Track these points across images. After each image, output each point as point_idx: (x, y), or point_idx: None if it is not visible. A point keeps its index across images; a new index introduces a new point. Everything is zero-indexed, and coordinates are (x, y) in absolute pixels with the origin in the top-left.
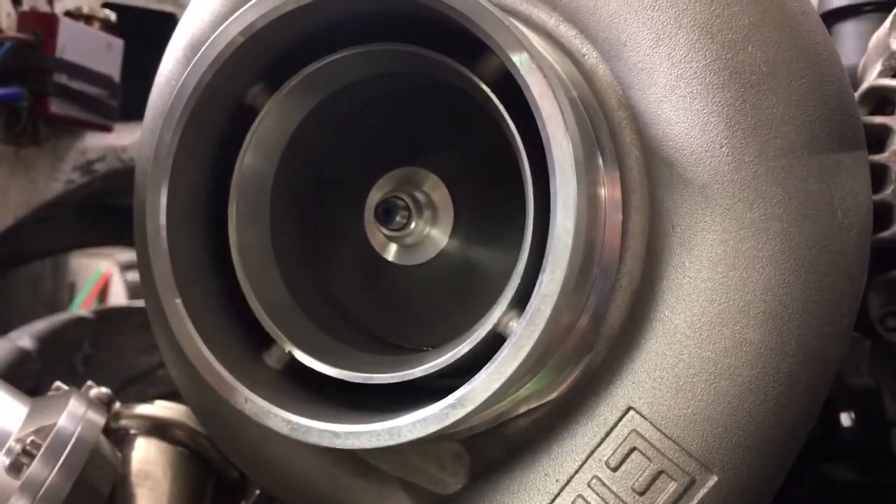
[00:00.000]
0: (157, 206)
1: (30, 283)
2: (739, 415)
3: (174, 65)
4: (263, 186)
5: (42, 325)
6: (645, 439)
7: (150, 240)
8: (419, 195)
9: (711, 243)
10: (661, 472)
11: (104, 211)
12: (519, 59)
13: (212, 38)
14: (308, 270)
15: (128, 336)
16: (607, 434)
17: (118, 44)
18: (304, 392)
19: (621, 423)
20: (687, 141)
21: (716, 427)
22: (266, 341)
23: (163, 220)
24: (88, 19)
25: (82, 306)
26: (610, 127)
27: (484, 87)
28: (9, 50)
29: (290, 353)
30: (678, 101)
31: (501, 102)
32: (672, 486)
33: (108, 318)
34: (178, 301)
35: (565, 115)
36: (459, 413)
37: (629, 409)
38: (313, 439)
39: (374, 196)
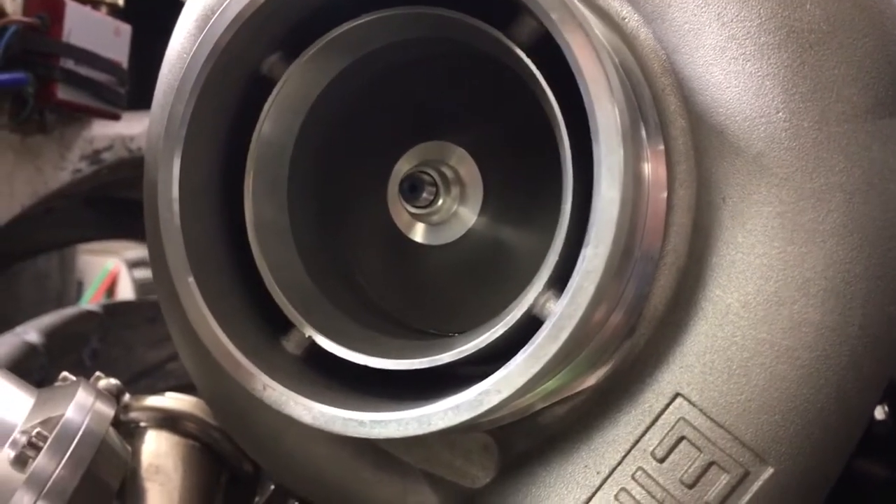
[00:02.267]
0: (170, 179)
1: (37, 280)
2: (798, 401)
3: (186, 37)
4: (282, 159)
5: (49, 319)
6: (694, 428)
7: (162, 216)
8: (446, 170)
9: (767, 216)
10: (711, 464)
11: (111, 204)
12: (558, 17)
13: (226, 2)
14: (328, 250)
15: (136, 330)
16: (653, 422)
17: (126, 29)
18: (325, 379)
19: (668, 410)
20: (739, 107)
21: (772, 415)
22: (284, 325)
23: (175, 193)
24: (96, 4)
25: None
26: (653, 94)
27: (518, 51)
28: (14, 34)
29: (310, 337)
30: (729, 63)
31: (537, 68)
32: (724, 479)
33: (116, 312)
34: (191, 280)
35: (610, 77)
36: (495, 399)
37: (676, 395)
38: (337, 428)
39: (399, 171)
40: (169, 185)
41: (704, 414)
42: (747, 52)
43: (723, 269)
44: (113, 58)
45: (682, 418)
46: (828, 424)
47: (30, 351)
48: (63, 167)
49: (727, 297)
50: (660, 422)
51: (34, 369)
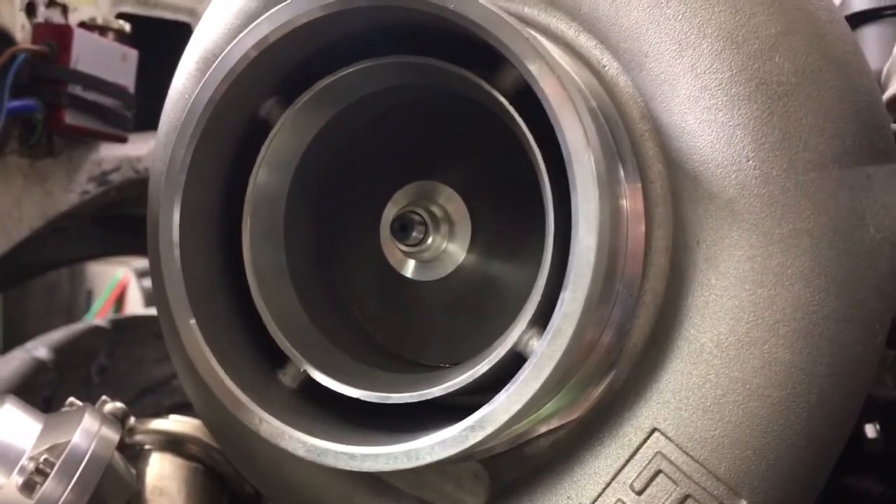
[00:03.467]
0: (170, 224)
1: (47, 290)
2: (769, 437)
3: (187, 78)
4: (277, 202)
5: (58, 335)
6: (671, 462)
7: (163, 257)
8: (436, 209)
9: (738, 260)
10: (687, 497)
11: (120, 220)
12: (536, 70)
13: (225, 51)
14: (324, 287)
15: (143, 346)
16: (631, 456)
17: (133, 54)
18: (319, 412)
19: (646, 444)
20: (712, 154)
21: (745, 450)
22: (281, 359)
23: (176, 237)
24: (103, 30)
25: (99, 313)
26: (631, 139)
27: (502, 99)
28: (23, 62)
29: (305, 371)
30: (702, 112)
31: (520, 115)
32: None
33: (123, 327)
34: (193, 322)
35: (586, 127)
36: (479, 435)
37: (654, 430)
38: (329, 461)
39: (390, 211)
40: (170, 229)
41: (680, 448)
42: (719, 103)
43: (697, 309)
44: (120, 82)
45: (660, 452)
46: (798, 458)
47: (39, 367)
48: (71, 189)
49: (702, 337)
50: (638, 455)
51: (43, 385)
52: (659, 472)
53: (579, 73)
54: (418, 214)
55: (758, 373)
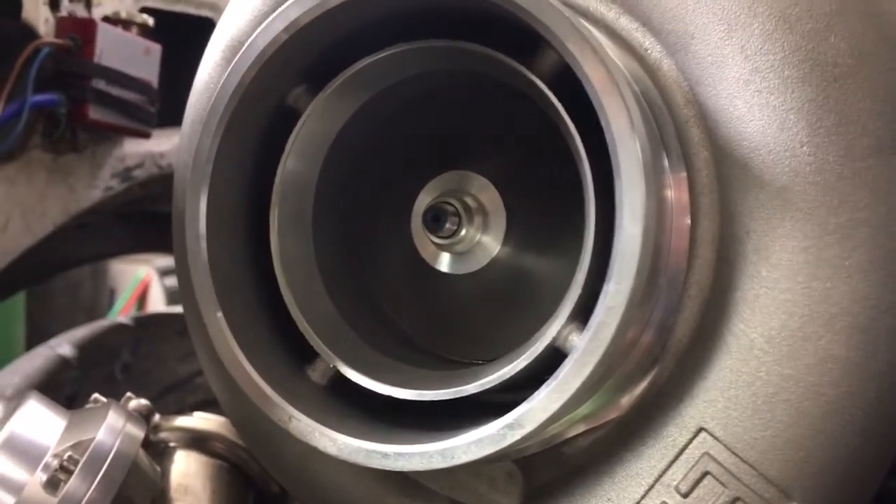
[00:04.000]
0: (197, 215)
1: (70, 288)
2: (823, 437)
3: (213, 68)
4: (306, 192)
5: (82, 332)
6: (719, 463)
7: (190, 250)
8: (469, 200)
9: (791, 251)
10: (737, 500)
11: (144, 217)
12: (578, 52)
13: (253, 35)
14: (353, 280)
15: (167, 343)
16: (677, 457)
17: (156, 49)
18: (349, 409)
19: (692, 445)
20: (763, 140)
21: (797, 451)
22: (310, 355)
23: (202, 229)
24: (127, 24)
25: (122, 311)
26: (676, 126)
27: (540, 84)
28: (47, 56)
29: (334, 367)
30: (753, 96)
31: (559, 101)
32: None
33: (147, 325)
34: (220, 315)
35: (631, 111)
36: (517, 434)
37: (700, 429)
38: (361, 460)
39: (422, 201)
40: (196, 220)
41: (729, 449)
42: (771, 86)
43: (747, 303)
44: (143, 77)
45: (707, 453)
46: (854, 460)
47: (63, 364)
48: (95, 185)
49: (751, 332)
50: (683, 456)
51: (67, 382)
52: (706, 473)
53: (621, 58)
54: (451, 205)
55: (812, 370)
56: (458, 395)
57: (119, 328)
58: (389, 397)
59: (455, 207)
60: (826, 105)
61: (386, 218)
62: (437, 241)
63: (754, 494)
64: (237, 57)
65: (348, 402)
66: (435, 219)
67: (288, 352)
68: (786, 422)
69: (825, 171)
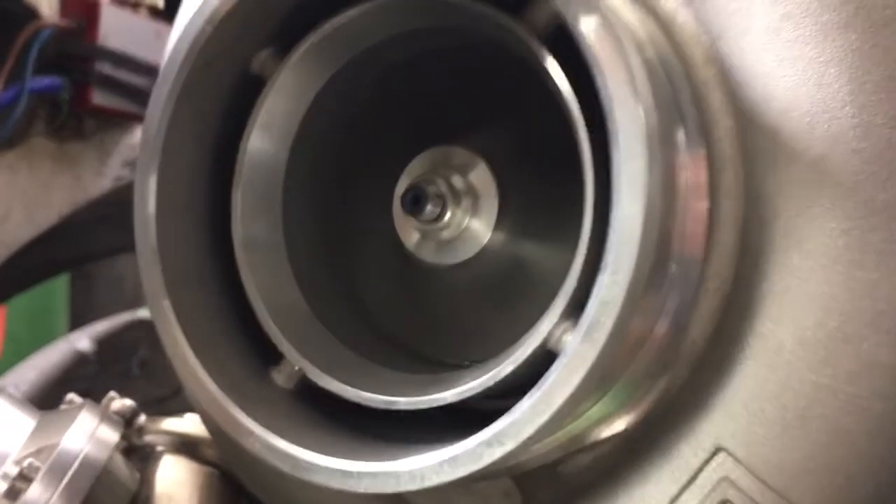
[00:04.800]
0: (146, 194)
1: (113, 283)
2: (867, 461)
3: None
4: (274, 172)
5: (102, 326)
6: (740, 490)
7: (137, 233)
8: (456, 180)
9: (829, 235)
10: None
11: None
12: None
13: None
14: (329, 272)
15: None
16: (690, 481)
17: (167, 31)
18: (317, 417)
19: (708, 467)
20: (796, 101)
21: (835, 476)
22: (276, 356)
23: (151, 209)
24: (135, 6)
25: None
26: (693, 89)
27: (529, 37)
28: (49, 38)
29: (300, 370)
30: (784, 48)
31: (554, 59)
32: None
33: None
34: (166, 303)
35: (633, 66)
36: (497, 453)
37: (718, 449)
38: (320, 479)
39: (404, 182)
40: (145, 200)
41: (752, 473)
42: (806, 34)
43: (775, 298)
44: (153, 61)
45: (726, 478)
46: None
47: (81, 359)
48: (103, 174)
49: (780, 333)
50: (698, 481)
51: (84, 377)
52: (725, 502)
53: (626, 8)
54: (435, 185)
55: (853, 379)
56: (434, 405)
57: (139, 323)
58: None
59: (439, 188)
60: (873, 56)
61: (366, 202)
62: (419, 226)
63: None
64: (189, 17)
65: (317, 409)
66: (415, 201)
67: (252, 352)
68: (822, 441)
69: (872, 137)
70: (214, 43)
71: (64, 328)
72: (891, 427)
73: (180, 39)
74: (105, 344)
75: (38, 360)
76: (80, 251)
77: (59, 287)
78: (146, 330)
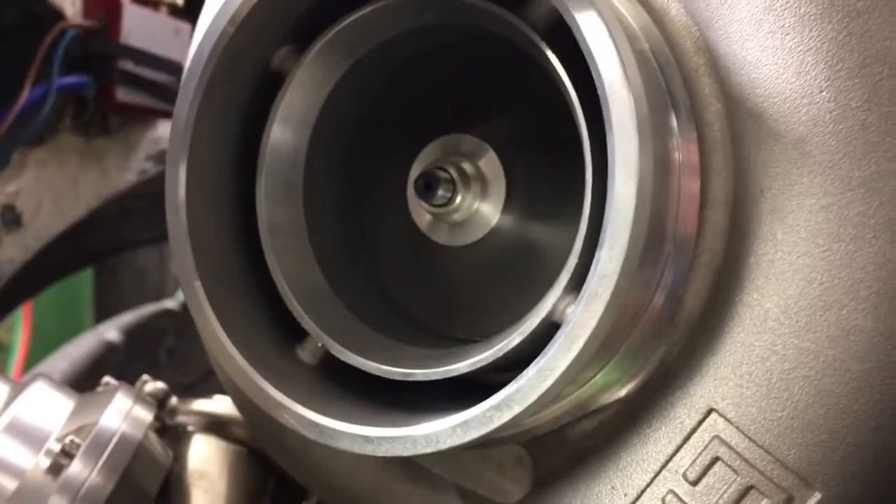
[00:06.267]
0: (176, 182)
1: (138, 276)
2: (848, 418)
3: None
4: (295, 160)
5: (129, 317)
6: (730, 448)
7: (170, 220)
8: (466, 165)
9: (810, 209)
10: (750, 488)
11: None
12: None
13: None
14: (348, 254)
15: None
16: (685, 440)
17: (186, 29)
18: (341, 391)
19: (701, 427)
20: (778, 86)
21: (818, 433)
22: (300, 334)
23: (182, 196)
24: (155, 4)
25: None
26: (685, 76)
27: (530, 32)
28: (73, 38)
29: (324, 346)
30: (766, 38)
31: (553, 52)
32: None
33: None
34: (198, 283)
35: (624, 56)
36: (505, 416)
37: (710, 410)
38: (344, 445)
39: (417, 168)
40: (176, 188)
41: (741, 432)
42: (786, 25)
43: (761, 269)
44: (173, 57)
45: (717, 436)
46: (883, 443)
47: (109, 349)
48: (128, 168)
49: (766, 302)
50: (692, 440)
51: (112, 367)
52: (716, 459)
53: (620, 3)
54: (446, 171)
55: (834, 343)
56: (447, 375)
57: (165, 313)
58: (382, 377)
59: (449, 174)
60: (848, 44)
61: (382, 187)
62: (431, 210)
63: (770, 483)
64: (213, 16)
65: (340, 383)
66: (427, 186)
67: (278, 331)
68: (805, 401)
69: (847, 119)
70: (236, 42)
71: (89, 321)
72: (869, 387)
73: (204, 39)
74: (133, 334)
75: (68, 350)
76: (108, 242)
77: (83, 281)
78: (172, 319)
